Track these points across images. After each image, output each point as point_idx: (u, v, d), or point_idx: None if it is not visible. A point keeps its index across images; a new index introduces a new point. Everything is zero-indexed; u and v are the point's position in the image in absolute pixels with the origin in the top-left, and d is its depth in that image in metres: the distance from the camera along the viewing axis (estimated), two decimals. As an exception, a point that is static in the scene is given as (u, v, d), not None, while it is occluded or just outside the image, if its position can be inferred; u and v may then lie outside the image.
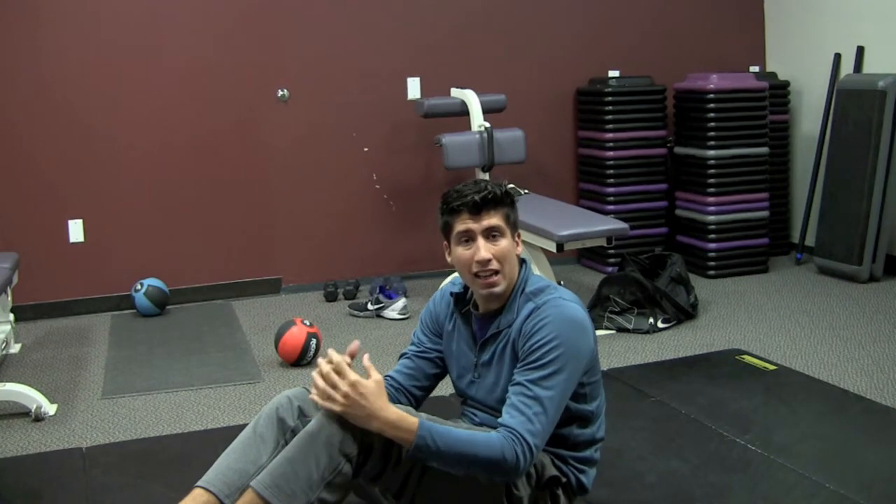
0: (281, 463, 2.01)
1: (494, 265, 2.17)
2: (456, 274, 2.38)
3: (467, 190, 2.20)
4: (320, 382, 2.02)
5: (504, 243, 2.19)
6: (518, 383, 2.09)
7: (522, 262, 2.28)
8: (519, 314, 2.18)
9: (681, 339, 4.20)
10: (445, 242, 2.27)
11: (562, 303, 2.16)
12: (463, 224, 2.19)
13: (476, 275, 2.18)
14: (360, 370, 2.05)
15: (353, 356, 2.06)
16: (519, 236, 2.27)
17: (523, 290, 2.22)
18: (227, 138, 5.14)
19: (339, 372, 2.00)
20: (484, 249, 2.17)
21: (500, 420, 2.08)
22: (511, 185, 2.77)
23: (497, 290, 2.19)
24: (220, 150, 5.15)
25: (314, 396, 2.04)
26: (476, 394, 2.28)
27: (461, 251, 2.21)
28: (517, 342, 2.16)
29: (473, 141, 4.86)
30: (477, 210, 2.17)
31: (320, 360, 2.05)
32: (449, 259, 2.28)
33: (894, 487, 2.61)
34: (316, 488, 1.98)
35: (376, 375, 2.03)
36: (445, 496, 2.11)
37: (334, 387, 1.99)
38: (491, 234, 2.19)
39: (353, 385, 1.98)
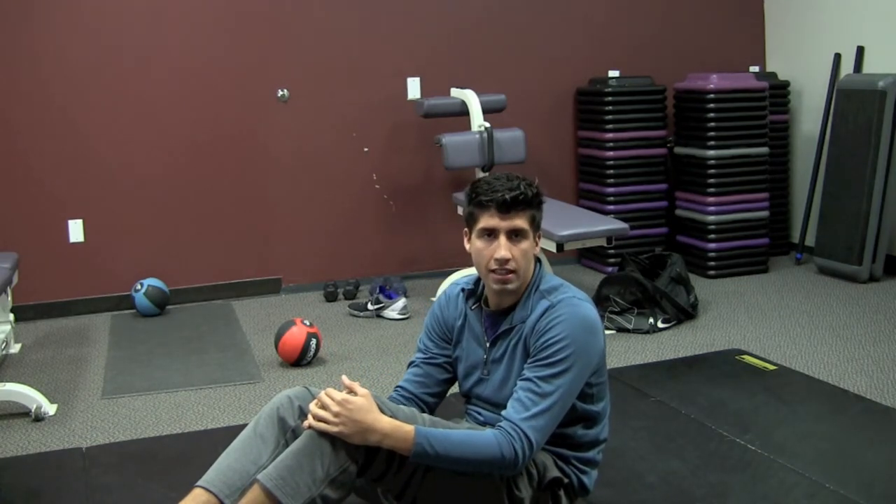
0: (287, 457, 2.02)
1: (512, 265, 2.16)
2: (456, 276, 2.38)
3: (499, 185, 2.17)
4: (313, 409, 2.05)
5: (525, 245, 2.18)
6: (526, 379, 2.11)
7: (537, 260, 2.28)
8: (533, 311, 2.18)
9: (681, 339, 4.20)
10: (466, 230, 2.27)
11: (576, 302, 2.17)
12: (488, 220, 2.17)
13: (491, 270, 2.19)
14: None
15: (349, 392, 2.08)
16: (539, 236, 2.26)
17: (537, 287, 2.22)
18: (226, 138, 5.14)
19: (327, 395, 2.04)
20: (504, 248, 2.16)
21: (503, 413, 2.09)
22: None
23: (510, 286, 2.19)
24: (220, 150, 5.14)
25: (308, 422, 2.05)
26: (483, 391, 2.28)
27: (481, 245, 2.20)
28: (529, 339, 2.16)
29: (473, 141, 4.85)
30: (506, 209, 2.16)
31: (311, 406, 2.07)
32: (468, 247, 2.27)
33: (894, 487, 2.62)
34: (321, 484, 1.99)
35: (362, 390, 2.06)
36: (446, 499, 2.11)
37: (325, 408, 2.02)
38: (514, 234, 2.17)
39: (342, 402, 2.01)
